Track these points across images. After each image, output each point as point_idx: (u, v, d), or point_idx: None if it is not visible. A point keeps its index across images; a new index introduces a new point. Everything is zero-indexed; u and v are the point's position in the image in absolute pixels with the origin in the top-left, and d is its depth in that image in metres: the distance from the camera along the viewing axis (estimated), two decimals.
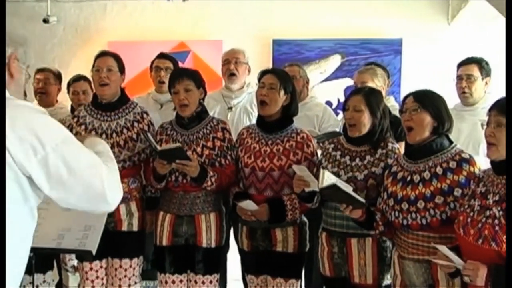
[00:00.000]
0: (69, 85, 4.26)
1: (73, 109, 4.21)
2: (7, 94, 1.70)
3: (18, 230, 1.67)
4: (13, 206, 1.62)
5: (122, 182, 3.22)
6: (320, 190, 2.66)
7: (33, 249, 2.63)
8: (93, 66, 3.37)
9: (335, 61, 5.78)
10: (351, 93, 3.14)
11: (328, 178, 2.65)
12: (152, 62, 4.13)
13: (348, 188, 2.67)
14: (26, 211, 1.69)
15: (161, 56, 4.12)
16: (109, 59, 3.35)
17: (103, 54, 3.41)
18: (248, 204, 3.12)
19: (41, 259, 3.18)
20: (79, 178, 1.66)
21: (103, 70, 3.30)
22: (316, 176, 2.80)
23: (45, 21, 5.74)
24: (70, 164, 1.64)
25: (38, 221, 2.66)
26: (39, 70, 4.21)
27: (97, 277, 3.39)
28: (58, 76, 4.38)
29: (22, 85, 1.85)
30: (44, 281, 3.37)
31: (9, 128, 1.57)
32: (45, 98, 4.19)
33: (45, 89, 4.20)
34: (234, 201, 3.22)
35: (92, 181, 1.68)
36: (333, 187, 2.58)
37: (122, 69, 3.39)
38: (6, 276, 1.63)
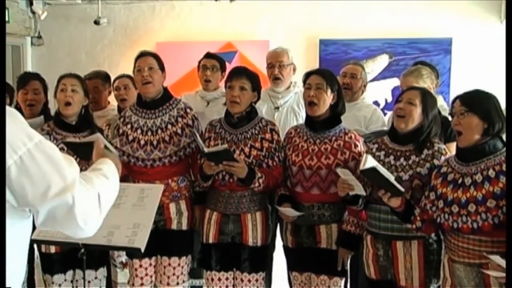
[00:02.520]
0: (113, 83, 4.34)
1: (119, 108, 4.29)
2: None
3: (6, 231, 1.49)
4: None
5: (172, 180, 3.35)
6: (361, 171, 2.66)
7: (84, 246, 2.74)
8: (134, 67, 3.43)
9: (383, 61, 5.73)
10: (408, 88, 3.13)
11: (370, 161, 2.64)
12: (200, 62, 4.19)
13: (389, 175, 2.65)
14: (11, 210, 1.50)
15: (208, 55, 4.19)
16: (149, 58, 3.41)
17: (143, 54, 3.46)
18: (289, 211, 3.15)
19: (94, 256, 3.25)
20: (44, 196, 1.45)
21: (144, 69, 3.35)
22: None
23: (96, 22, 5.89)
24: (34, 179, 1.43)
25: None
26: (86, 79, 4.24)
27: (146, 274, 3.45)
28: (106, 79, 4.42)
29: None
30: (95, 278, 3.44)
31: None
32: (96, 105, 4.24)
33: (95, 98, 4.23)
34: (276, 205, 3.25)
35: (59, 201, 1.46)
36: (373, 170, 2.58)
37: (162, 68, 3.44)
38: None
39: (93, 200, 1.54)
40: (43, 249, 3.40)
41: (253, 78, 3.29)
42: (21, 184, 1.43)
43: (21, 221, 1.56)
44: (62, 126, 3.39)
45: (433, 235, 2.89)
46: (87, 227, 1.54)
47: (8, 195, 1.44)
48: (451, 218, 2.60)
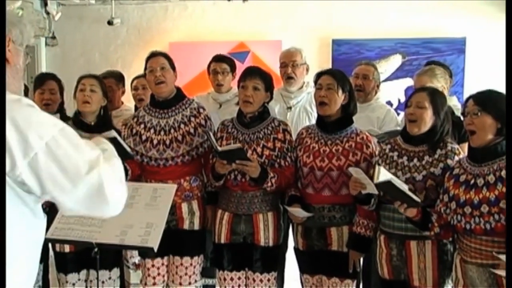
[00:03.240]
0: (131, 83, 4.36)
1: (136, 108, 4.31)
2: None
3: (19, 232, 1.52)
4: (9, 212, 1.47)
5: (184, 180, 3.36)
6: (375, 184, 2.65)
7: (98, 245, 2.76)
8: (145, 68, 3.45)
9: (396, 60, 5.71)
10: (415, 90, 3.10)
11: (383, 174, 2.62)
12: (209, 65, 4.15)
13: (403, 186, 2.64)
14: (26, 213, 1.53)
15: (218, 59, 4.12)
16: (160, 58, 3.43)
17: (154, 54, 3.48)
18: (298, 212, 3.14)
19: (108, 256, 3.26)
20: (74, 177, 1.49)
21: (156, 69, 3.37)
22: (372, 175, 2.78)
23: (110, 23, 5.92)
24: (63, 163, 1.47)
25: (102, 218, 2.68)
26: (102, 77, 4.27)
27: (158, 274, 3.46)
28: (120, 79, 4.45)
29: (21, 69, 1.71)
30: (109, 278, 3.46)
31: None
32: (109, 105, 4.24)
33: (108, 97, 4.26)
34: (285, 205, 3.24)
35: (89, 179, 1.50)
36: (388, 183, 2.56)
37: (173, 67, 3.46)
38: (15, 277, 1.51)
39: (117, 177, 1.59)
40: (57, 248, 3.43)
41: (266, 78, 3.30)
42: (50, 169, 1.46)
43: (35, 222, 1.58)
44: (80, 126, 3.43)
45: None
46: (116, 204, 1.58)
47: (33, 183, 1.47)
48: (464, 219, 2.59)
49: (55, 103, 3.84)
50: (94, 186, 1.51)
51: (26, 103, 1.51)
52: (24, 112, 1.47)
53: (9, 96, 1.50)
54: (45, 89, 3.83)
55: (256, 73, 3.30)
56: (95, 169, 1.51)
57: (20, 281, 1.54)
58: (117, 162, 1.65)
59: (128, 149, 3.12)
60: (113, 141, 2.75)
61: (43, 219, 1.62)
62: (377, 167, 2.74)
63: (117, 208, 1.60)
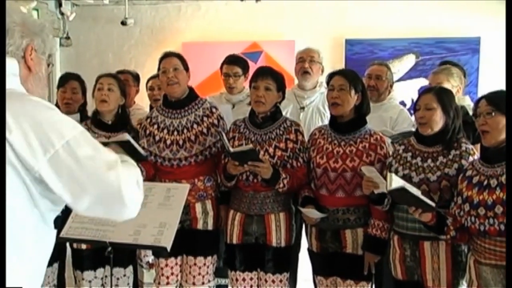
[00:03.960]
0: (147, 83, 4.39)
1: (151, 108, 4.33)
2: (23, 89, 1.62)
3: (27, 235, 1.55)
4: (19, 209, 1.50)
5: (198, 180, 3.37)
6: (388, 192, 2.63)
7: (111, 244, 2.77)
8: (159, 68, 3.46)
9: (409, 60, 5.69)
10: (421, 92, 3.08)
11: (395, 181, 2.61)
12: (222, 66, 4.15)
13: (417, 191, 2.63)
14: (35, 215, 1.55)
15: (229, 62, 4.11)
16: (173, 59, 3.43)
17: (167, 55, 3.48)
18: (311, 212, 3.13)
19: (123, 254, 3.29)
20: (92, 175, 1.52)
21: (169, 70, 3.38)
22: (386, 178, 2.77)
23: (123, 23, 5.95)
24: (82, 161, 1.50)
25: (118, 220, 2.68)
26: (119, 72, 4.32)
27: (172, 274, 3.47)
28: (136, 78, 4.50)
29: (43, 77, 1.74)
30: (124, 275, 3.49)
31: (15, 125, 1.45)
32: (127, 102, 4.27)
33: (124, 92, 4.29)
34: (299, 206, 3.23)
35: (107, 178, 1.53)
36: (402, 189, 2.54)
37: (186, 67, 3.47)
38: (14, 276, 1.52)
39: (134, 180, 1.61)
40: (74, 245, 3.47)
41: (278, 78, 3.29)
42: (69, 167, 1.50)
43: (43, 227, 1.60)
44: (99, 125, 3.49)
45: None
46: (132, 206, 1.60)
47: (51, 179, 1.50)
48: (478, 220, 2.58)
49: (76, 103, 3.87)
50: (112, 187, 1.54)
51: (47, 105, 1.56)
52: (45, 112, 1.52)
53: (31, 97, 1.56)
54: (67, 87, 3.87)
55: (267, 73, 3.29)
56: (113, 170, 1.54)
57: (19, 280, 1.53)
58: (135, 168, 1.69)
59: (142, 151, 3.13)
60: (127, 144, 2.78)
61: (52, 229, 1.64)
62: (389, 174, 2.72)
63: (133, 210, 1.61)
